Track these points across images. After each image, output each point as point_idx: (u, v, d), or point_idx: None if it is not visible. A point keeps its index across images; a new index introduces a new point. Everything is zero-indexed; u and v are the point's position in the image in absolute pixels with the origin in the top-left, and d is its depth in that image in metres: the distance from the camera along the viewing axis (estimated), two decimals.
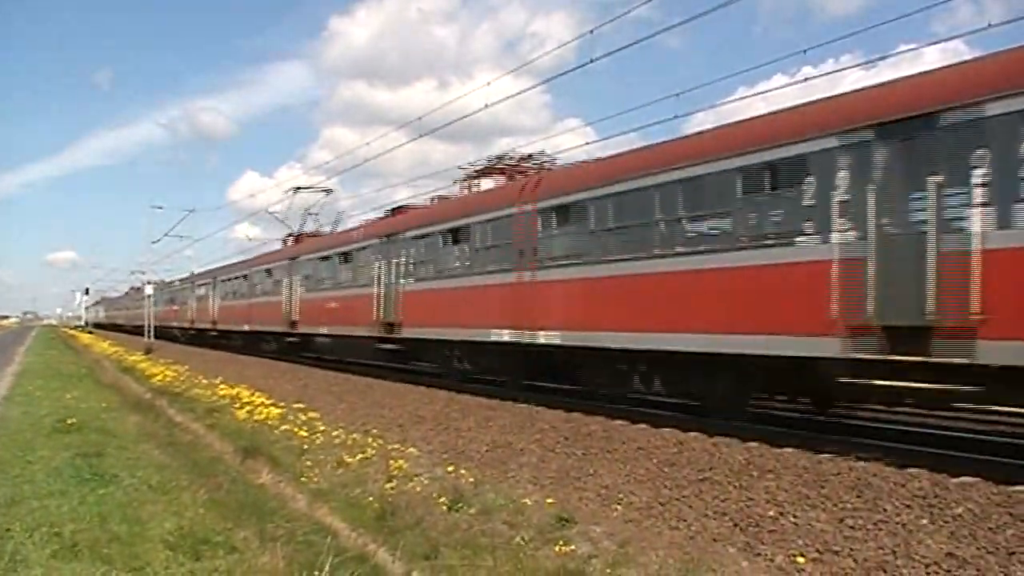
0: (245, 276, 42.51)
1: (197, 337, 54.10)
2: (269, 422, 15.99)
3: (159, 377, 27.00)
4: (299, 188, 41.69)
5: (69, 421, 13.79)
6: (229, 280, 46.35)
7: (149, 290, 54.09)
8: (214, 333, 49.16)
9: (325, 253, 30.63)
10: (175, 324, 60.85)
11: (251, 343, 41.48)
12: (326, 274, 30.22)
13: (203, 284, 53.09)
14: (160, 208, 68.29)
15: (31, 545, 6.72)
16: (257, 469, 12.24)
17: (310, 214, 40.96)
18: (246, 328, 41.04)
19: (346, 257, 28.20)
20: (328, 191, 41.70)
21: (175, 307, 62.30)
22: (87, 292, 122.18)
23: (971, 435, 11.96)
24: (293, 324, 33.15)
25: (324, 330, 29.63)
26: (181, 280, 64.03)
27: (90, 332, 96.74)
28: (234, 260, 55.66)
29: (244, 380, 24.87)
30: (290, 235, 40.88)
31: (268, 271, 38.17)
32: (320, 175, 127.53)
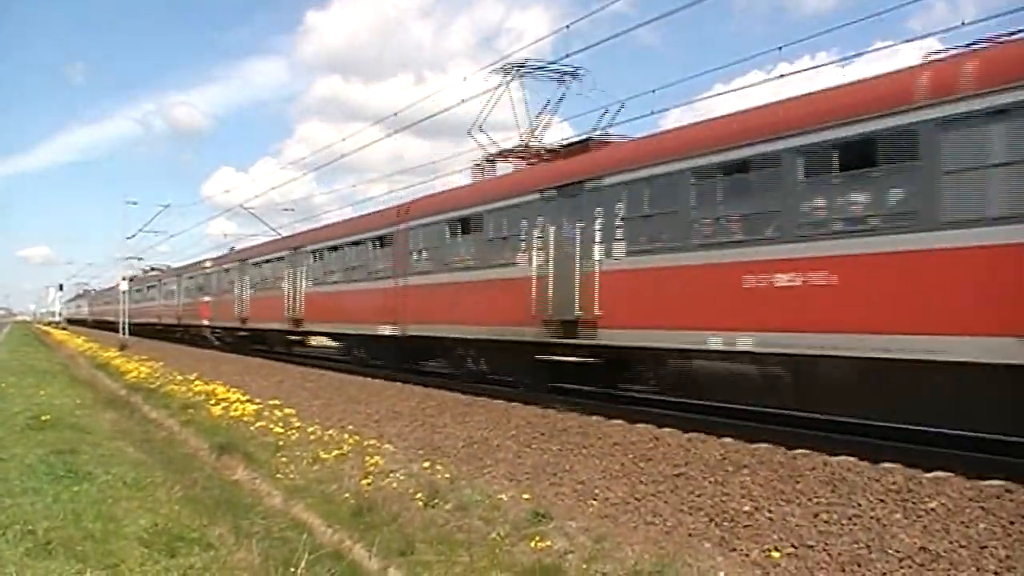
0: (380, 239, 24.15)
1: (251, 342, 37.33)
2: (245, 418, 15.91)
3: (134, 373, 26.79)
4: (523, 65, 21.43)
5: (43, 418, 13.66)
6: (334, 248, 28.01)
7: (124, 285, 53.60)
8: (293, 337, 32.82)
9: (737, 154, 12.65)
10: (207, 323, 43.84)
11: (404, 358, 23.58)
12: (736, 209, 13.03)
13: (266, 262, 35.03)
14: (135, 203, 67.58)
15: (4, 543, 6.65)
16: (232, 466, 12.19)
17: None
18: (387, 332, 23.02)
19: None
20: (569, 75, 21.55)
21: (207, 299, 44.13)
22: (61, 288, 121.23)
23: (944, 430, 12.06)
24: (582, 324, 15.61)
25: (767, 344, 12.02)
26: (217, 260, 45.38)
27: (64, 328, 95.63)
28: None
29: (219, 376, 24.73)
30: (492, 159, 21.88)
31: (465, 222, 20.00)
32: (297, 171, 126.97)
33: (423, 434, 13.99)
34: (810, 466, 9.75)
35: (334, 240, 28.05)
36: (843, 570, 6.89)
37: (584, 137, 18.62)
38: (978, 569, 6.66)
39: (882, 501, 8.29)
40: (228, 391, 19.86)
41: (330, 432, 14.01)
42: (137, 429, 14.83)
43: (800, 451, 10.53)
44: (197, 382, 22.49)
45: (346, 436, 13.52)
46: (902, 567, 6.81)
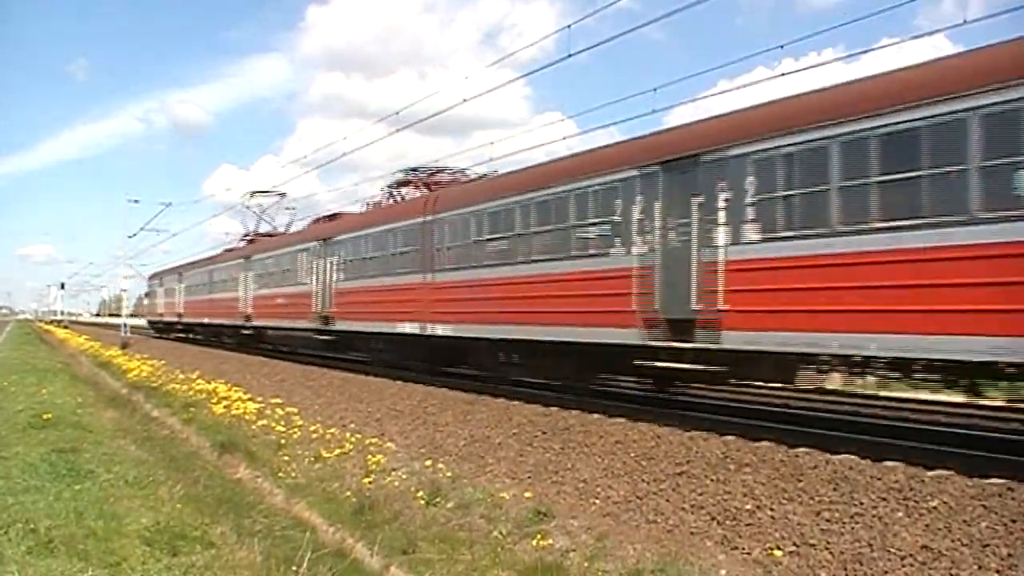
0: None
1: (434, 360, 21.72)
2: (246, 417, 15.93)
3: (135, 372, 26.82)
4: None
5: (45, 416, 13.66)
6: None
7: (125, 284, 53.54)
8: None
9: None
10: (306, 324, 28.13)
11: None
12: None
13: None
14: (136, 202, 67.11)
15: (6, 541, 6.65)
16: (234, 464, 12.21)
17: None
18: None
19: None
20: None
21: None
22: (63, 287, 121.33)
23: (946, 429, 12.07)
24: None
25: None
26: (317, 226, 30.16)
27: (67, 328, 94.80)
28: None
29: (221, 375, 24.74)
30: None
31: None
32: (299, 169, 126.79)
33: (425, 432, 13.99)
34: (812, 464, 9.75)
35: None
36: (845, 568, 6.89)
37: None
38: (980, 567, 6.66)
39: (884, 499, 8.28)
40: (230, 390, 19.89)
41: (332, 431, 14.02)
42: (139, 428, 14.84)
43: (802, 449, 10.52)
44: (199, 381, 22.52)
45: (348, 435, 13.53)
46: (904, 565, 6.81)
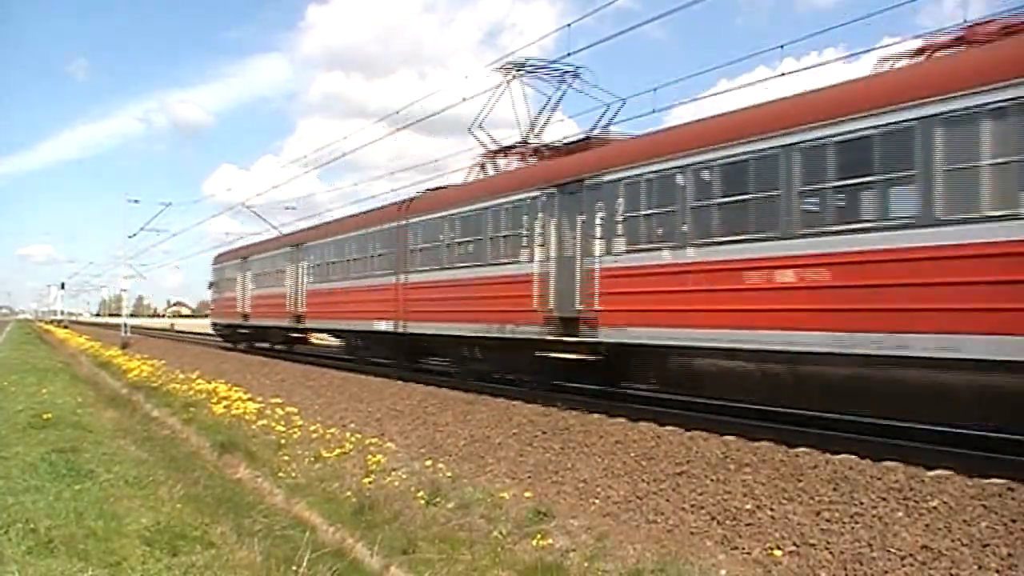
0: None
1: None
2: (246, 417, 15.94)
3: (135, 372, 26.83)
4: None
5: (45, 416, 13.65)
6: None
7: (126, 284, 53.36)
8: None
9: None
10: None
11: None
12: None
13: None
14: (136, 202, 66.75)
15: (6, 541, 6.65)
16: (234, 464, 12.21)
17: None
18: None
19: None
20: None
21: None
22: (63, 286, 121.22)
23: (945, 428, 12.06)
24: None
25: None
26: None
27: (67, 328, 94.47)
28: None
29: (221, 375, 24.74)
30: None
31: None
32: (299, 169, 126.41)
33: (425, 432, 13.99)
34: (812, 464, 9.74)
35: None
36: (845, 568, 6.89)
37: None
38: (980, 567, 6.66)
39: (884, 499, 8.28)
40: (230, 389, 19.89)
41: (332, 431, 14.02)
42: (139, 428, 14.83)
43: (802, 449, 10.52)
44: (199, 381, 22.52)
45: (348, 434, 13.54)
46: (904, 565, 6.81)
